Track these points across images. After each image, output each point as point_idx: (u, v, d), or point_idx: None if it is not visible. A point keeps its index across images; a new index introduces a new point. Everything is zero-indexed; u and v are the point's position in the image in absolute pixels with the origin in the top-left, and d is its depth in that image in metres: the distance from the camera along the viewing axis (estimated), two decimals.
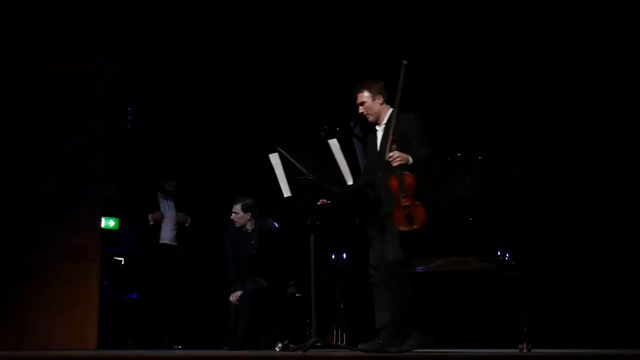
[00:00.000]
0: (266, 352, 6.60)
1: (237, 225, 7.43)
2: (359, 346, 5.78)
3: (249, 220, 7.41)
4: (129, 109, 9.61)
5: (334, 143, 5.56)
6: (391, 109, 5.92)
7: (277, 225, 7.76)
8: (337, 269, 7.77)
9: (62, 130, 7.50)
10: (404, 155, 5.62)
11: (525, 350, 6.47)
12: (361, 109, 5.91)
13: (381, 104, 5.93)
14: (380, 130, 5.92)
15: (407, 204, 5.64)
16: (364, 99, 5.91)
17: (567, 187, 8.74)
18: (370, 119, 5.92)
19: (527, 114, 8.77)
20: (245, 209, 7.38)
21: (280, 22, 9.31)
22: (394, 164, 5.63)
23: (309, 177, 5.60)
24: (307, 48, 9.29)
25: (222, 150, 9.39)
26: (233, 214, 7.42)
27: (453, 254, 6.34)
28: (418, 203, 5.65)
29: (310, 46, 9.30)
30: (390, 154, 5.62)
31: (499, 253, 6.70)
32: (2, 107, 7.26)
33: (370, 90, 5.90)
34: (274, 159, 5.69)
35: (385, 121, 5.91)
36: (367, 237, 5.98)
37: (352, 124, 9.00)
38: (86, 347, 7.29)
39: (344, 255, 7.74)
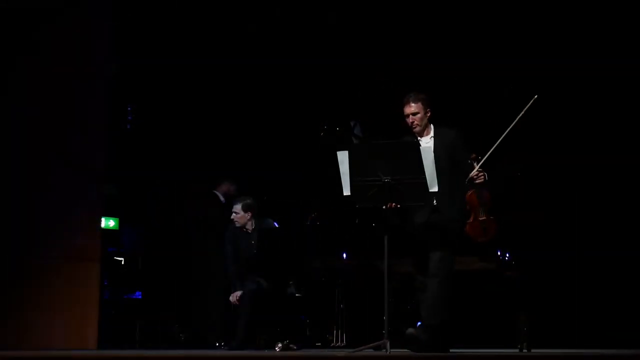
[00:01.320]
0: (266, 352, 6.61)
1: (238, 225, 7.43)
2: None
3: (249, 220, 7.41)
4: (129, 109, 9.60)
5: (426, 151, 5.60)
6: (432, 124, 6.05)
7: (277, 225, 7.76)
8: (337, 269, 7.76)
9: (62, 130, 7.49)
10: (487, 177, 5.86)
11: (525, 350, 6.48)
12: (412, 119, 5.99)
13: (429, 118, 6.02)
14: (427, 144, 5.97)
15: (484, 218, 6.04)
16: (418, 110, 5.99)
17: (567, 187, 8.74)
18: (417, 129, 6.01)
19: (527, 113, 8.75)
20: (245, 209, 7.38)
21: (280, 22, 9.31)
22: (478, 181, 5.84)
23: (385, 180, 5.57)
24: (307, 48, 9.29)
25: (223, 150, 9.38)
26: (233, 214, 7.42)
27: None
28: (492, 217, 6.07)
29: (310, 46, 9.30)
30: (476, 172, 5.81)
31: (499, 253, 6.71)
32: (2, 107, 7.25)
33: (423, 103, 5.99)
34: (342, 155, 5.68)
35: (432, 135, 6.02)
36: (412, 243, 6.00)
37: (352, 124, 9.00)
38: (86, 347, 7.29)
39: (344, 255, 7.74)
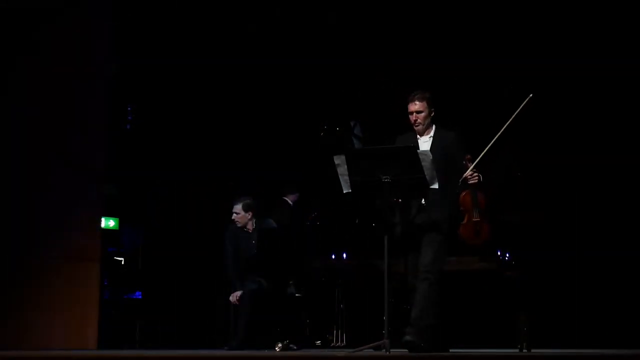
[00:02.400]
0: (266, 352, 6.61)
1: (238, 225, 7.42)
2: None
3: (249, 220, 7.41)
4: (129, 109, 9.60)
5: (425, 153, 5.61)
6: (433, 124, 6.02)
7: (275, 226, 7.75)
8: (337, 269, 7.77)
9: (62, 130, 7.50)
10: (480, 178, 5.84)
11: (525, 350, 6.48)
12: (416, 117, 5.96)
13: (432, 118, 6.01)
14: (425, 142, 5.98)
15: (478, 219, 6.01)
16: (422, 109, 5.97)
17: (567, 187, 8.74)
18: (420, 127, 5.99)
19: (523, 113, 8.75)
20: (246, 209, 7.38)
21: (280, 22, 9.31)
22: (472, 182, 5.82)
23: (385, 179, 5.59)
24: (307, 48, 9.29)
25: (222, 150, 9.38)
26: (234, 214, 7.41)
27: (453, 254, 6.34)
28: (485, 219, 6.04)
29: (310, 46, 9.30)
30: (470, 172, 5.79)
31: (499, 253, 6.71)
32: (2, 107, 7.25)
33: (428, 102, 5.98)
34: (338, 159, 5.70)
35: (431, 134, 6.02)
36: (409, 244, 5.99)
37: (352, 124, 9.01)
38: (86, 347, 7.29)
39: (344, 255, 7.74)
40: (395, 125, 6.41)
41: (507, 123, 5.86)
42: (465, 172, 5.81)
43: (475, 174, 5.82)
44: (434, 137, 5.98)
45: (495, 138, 5.84)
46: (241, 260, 7.40)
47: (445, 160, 5.84)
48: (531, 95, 5.89)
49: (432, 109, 5.99)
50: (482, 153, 5.81)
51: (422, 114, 5.96)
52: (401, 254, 6.05)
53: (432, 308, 5.73)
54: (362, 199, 6.46)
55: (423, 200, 5.85)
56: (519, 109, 5.88)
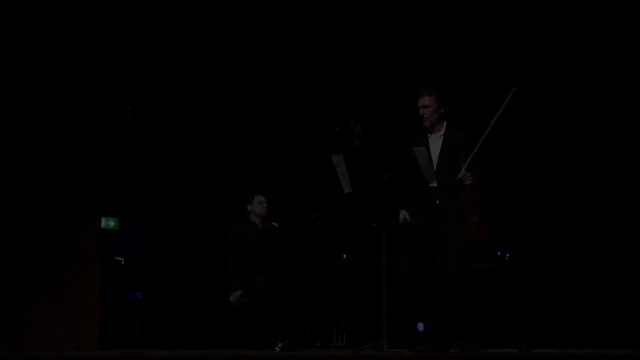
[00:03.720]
0: (266, 352, 6.60)
1: (263, 215, 7.43)
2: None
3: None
4: (129, 109, 9.59)
5: (421, 150, 5.60)
6: (445, 122, 5.95)
7: (277, 225, 7.75)
8: (337, 269, 7.76)
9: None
10: (475, 178, 5.76)
11: (525, 350, 6.48)
12: (423, 111, 5.89)
13: (441, 114, 5.91)
14: (436, 141, 5.94)
15: (476, 219, 5.95)
16: (430, 104, 5.89)
17: (567, 187, 8.75)
18: (427, 123, 5.93)
19: (527, 113, 8.77)
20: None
21: (280, 22, 9.31)
22: (466, 183, 5.76)
23: (383, 178, 5.59)
24: (307, 48, 9.29)
25: (222, 151, 9.38)
26: (264, 204, 7.42)
27: None
28: (485, 219, 5.98)
29: (310, 46, 9.30)
30: (462, 173, 5.75)
31: (499, 253, 6.72)
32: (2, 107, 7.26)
33: (438, 97, 5.90)
34: (337, 158, 5.70)
35: (442, 132, 5.93)
36: (410, 237, 5.99)
37: (352, 124, 9.00)
38: (86, 347, 7.29)
39: (344, 256, 7.73)
40: (396, 125, 6.40)
41: (493, 121, 5.76)
42: (458, 174, 5.77)
43: (469, 174, 5.76)
44: (444, 135, 5.91)
45: (483, 138, 5.75)
46: (243, 259, 7.38)
47: (450, 157, 5.82)
48: (515, 89, 5.78)
49: (442, 105, 5.90)
50: (472, 154, 5.74)
51: (430, 109, 5.86)
52: (407, 255, 6.06)
53: (467, 306, 5.76)
54: (362, 199, 6.47)
55: (437, 200, 5.84)
56: (503, 107, 5.77)
